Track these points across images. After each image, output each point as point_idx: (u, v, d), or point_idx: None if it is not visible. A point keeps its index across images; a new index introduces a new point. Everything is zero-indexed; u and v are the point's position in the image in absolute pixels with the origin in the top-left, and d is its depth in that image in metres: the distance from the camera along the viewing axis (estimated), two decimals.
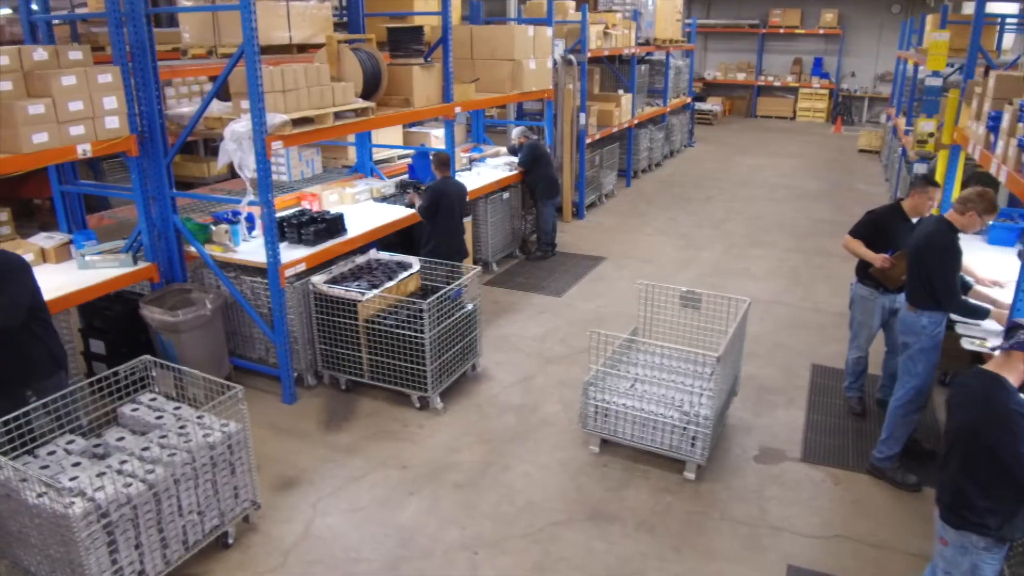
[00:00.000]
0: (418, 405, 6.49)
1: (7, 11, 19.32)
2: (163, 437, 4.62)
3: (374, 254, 7.17)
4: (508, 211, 9.87)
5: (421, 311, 6.13)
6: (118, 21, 6.04)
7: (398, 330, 6.27)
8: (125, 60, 6.09)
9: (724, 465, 5.88)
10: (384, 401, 6.63)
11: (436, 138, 10.31)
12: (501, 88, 9.47)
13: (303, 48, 8.01)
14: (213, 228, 6.73)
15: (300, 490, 5.46)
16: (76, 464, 4.39)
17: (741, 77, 24.04)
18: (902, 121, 14.35)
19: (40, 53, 5.83)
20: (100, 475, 4.24)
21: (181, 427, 4.74)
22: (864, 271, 6.22)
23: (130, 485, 4.19)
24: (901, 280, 5.88)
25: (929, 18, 12.90)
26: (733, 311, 6.27)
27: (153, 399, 5.07)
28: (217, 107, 6.45)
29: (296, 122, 6.17)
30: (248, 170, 5.97)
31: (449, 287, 6.48)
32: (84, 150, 5.84)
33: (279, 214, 7.01)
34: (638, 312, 6.66)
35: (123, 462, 4.38)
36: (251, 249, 6.73)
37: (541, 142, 9.92)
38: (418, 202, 7.63)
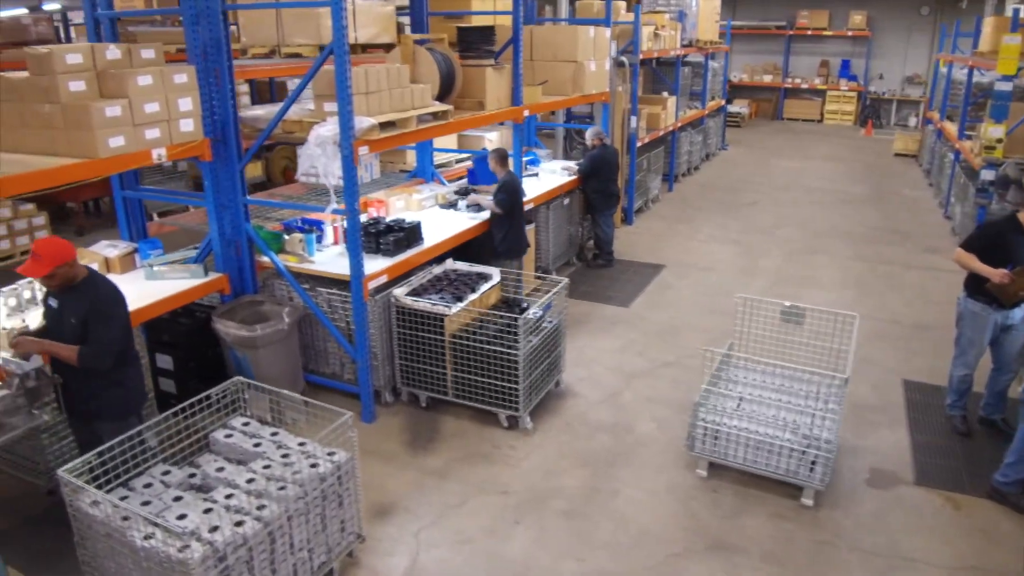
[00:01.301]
0: (506, 424, 6.14)
1: (23, 11, 19.00)
2: (267, 467, 4.27)
3: (450, 264, 6.81)
4: (567, 218, 9.51)
5: (514, 326, 5.78)
6: (194, 18, 5.68)
7: (489, 346, 5.91)
8: (200, 59, 5.73)
9: (838, 490, 5.52)
10: (468, 420, 6.27)
11: (490, 141, 9.97)
12: (563, 90, 9.13)
13: (366, 48, 7.66)
14: (286, 237, 6.37)
15: (398, 518, 5.10)
16: (177, 499, 4.03)
17: (767, 79, 23.69)
18: (950, 125, 14.01)
19: (113, 51, 5.46)
20: (207, 511, 3.88)
21: (284, 456, 4.38)
22: (976, 286, 5.87)
23: (242, 523, 3.82)
24: (1019, 296, 5.56)
25: (990, 20, 12.56)
26: (836, 326, 5.94)
27: (246, 423, 4.72)
28: (296, 109, 6.09)
29: (381, 126, 5.82)
30: (333, 177, 5.61)
31: (541, 301, 6.12)
32: (159, 155, 5.48)
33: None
34: (735, 327, 6.31)
35: (229, 496, 4.02)
36: (326, 259, 6.38)
37: (609, 150, 9.53)
38: (486, 203, 7.52)
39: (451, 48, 7.35)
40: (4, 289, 5.50)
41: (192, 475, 4.32)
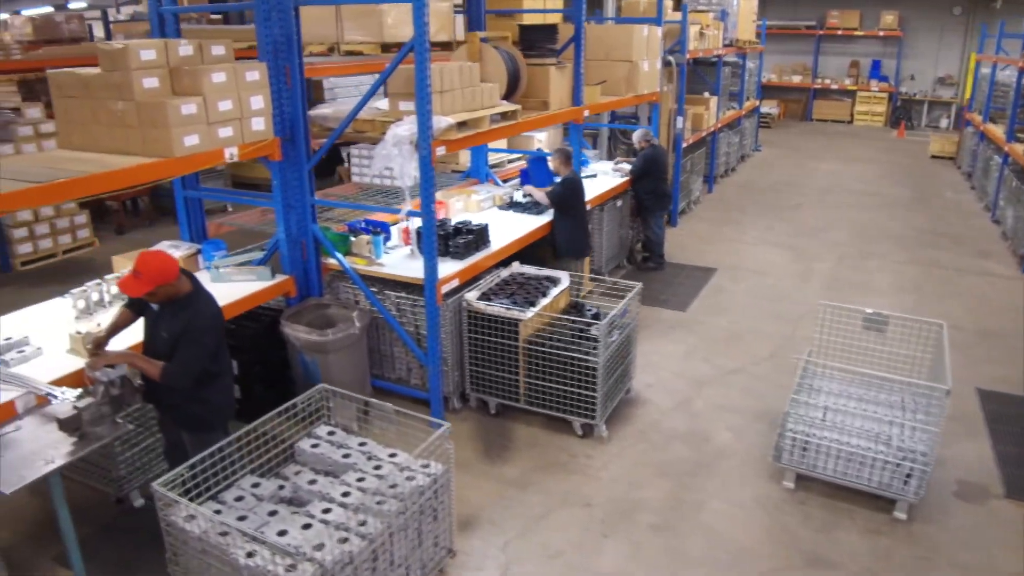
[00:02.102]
0: (580, 433, 5.96)
1: (46, 8, 18.92)
2: (361, 480, 4.10)
3: (517, 267, 6.63)
4: (619, 219, 9.32)
5: (593, 332, 5.61)
6: (267, 13, 5.52)
7: (565, 352, 5.73)
8: (271, 56, 5.57)
9: (929, 503, 5.33)
10: (539, 428, 6.09)
11: (539, 141, 9.80)
12: (617, 90, 8.95)
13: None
14: (353, 239, 6.21)
15: (483, 531, 4.93)
16: (272, 513, 3.87)
17: (796, 80, 23.43)
18: (995, 128, 13.76)
19: (185, 48, 5.32)
20: (306, 527, 3.72)
21: (376, 468, 4.22)
22: None
23: (346, 540, 3.66)
24: None
25: None
26: (920, 334, 5.76)
27: (331, 433, 4.55)
28: (366, 108, 5.92)
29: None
30: (408, 177, 5.44)
31: (619, 307, 5.94)
32: (231, 154, 5.34)
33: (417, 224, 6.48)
34: (815, 335, 6.12)
35: (326, 511, 3.86)
36: (394, 262, 6.22)
37: (660, 150, 9.35)
38: (539, 195, 7.63)
39: (514, 46, 7.17)
40: (73, 291, 5.34)
41: (281, 487, 4.16)
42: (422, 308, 5.93)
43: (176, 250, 6.24)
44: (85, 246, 10.67)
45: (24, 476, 3.70)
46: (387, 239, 6.50)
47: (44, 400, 4.28)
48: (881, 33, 22.14)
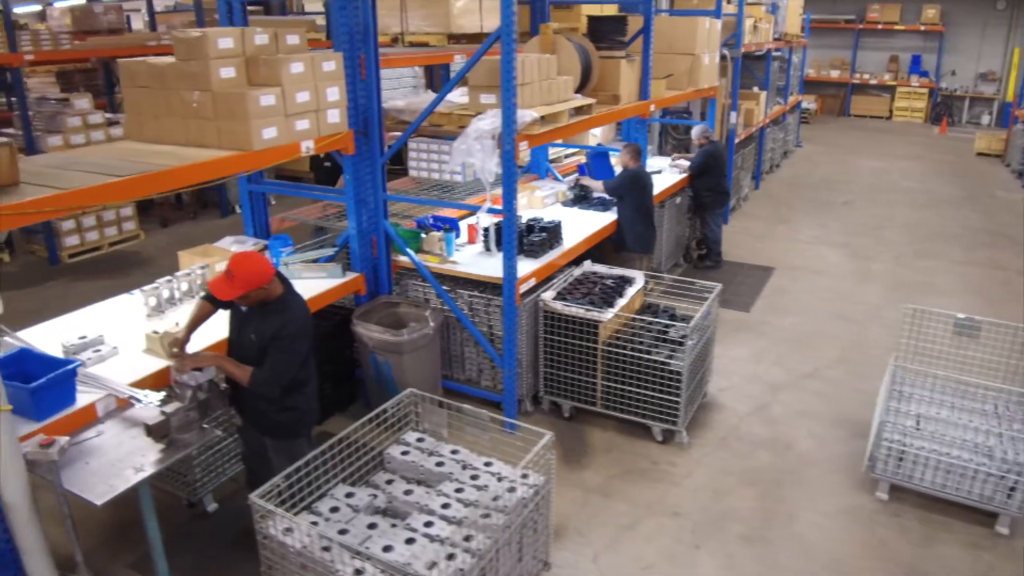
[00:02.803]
0: (660, 439, 5.77)
1: (76, 2, 18.86)
2: (459, 491, 3.93)
3: (589, 266, 6.44)
4: (678, 217, 9.10)
5: (680, 335, 5.41)
6: (344, 1, 5.33)
7: (648, 355, 5.54)
8: (347, 46, 5.38)
9: None
10: (615, 432, 5.91)
11: (594, 136, 9.58)
12: (679, 84, 8.71)
13: None
14: (424, 236, 6.03)
15: (571, 541, 4.75)
16: (371, 526, 3.70)
17: (835, 74, 23.05)
18: None
19: (261, 36, 5.14)
20: (409, 541, 3.55)
21: (473, 478, 4.04)
22: None
23: (453, 557, 3.48)
24: None
25: None
26: (1007, 340, 5.52)
27: (420, 439, 4.38)
28: (444, 101, 5.74)
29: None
30: (490, 173, 5.25)
31: (703, 309, 5.73)
32: (308, 147, 5.16)
33: (487, 222, 6.31)
34: (901, 340, 5.87)
35: (428, 524, 3.69)
36: (465, 259, 6.04)
37: (719, 147, 9.12)
38: (595, 185, 7.51)
39: (584, 38, 6.96)
40: (144, 288, 5.19)
41: (373, 496, 3.99)
42: (496, 308, 5.76)
43: (241, 245, 6.10)
44: (131, 239, 10.57)
45: (114, 486, 3.55)
46: (456, 236, 6.32)
47: (125, 403, 4.14)
48: (922, 27, 21.72)
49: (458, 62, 6.04)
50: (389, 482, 4.11)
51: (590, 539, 4.78)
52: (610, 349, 5.64)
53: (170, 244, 10.82)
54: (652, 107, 7.60)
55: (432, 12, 6.79)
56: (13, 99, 10.77)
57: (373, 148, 5.64)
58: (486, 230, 6.10)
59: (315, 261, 5.83)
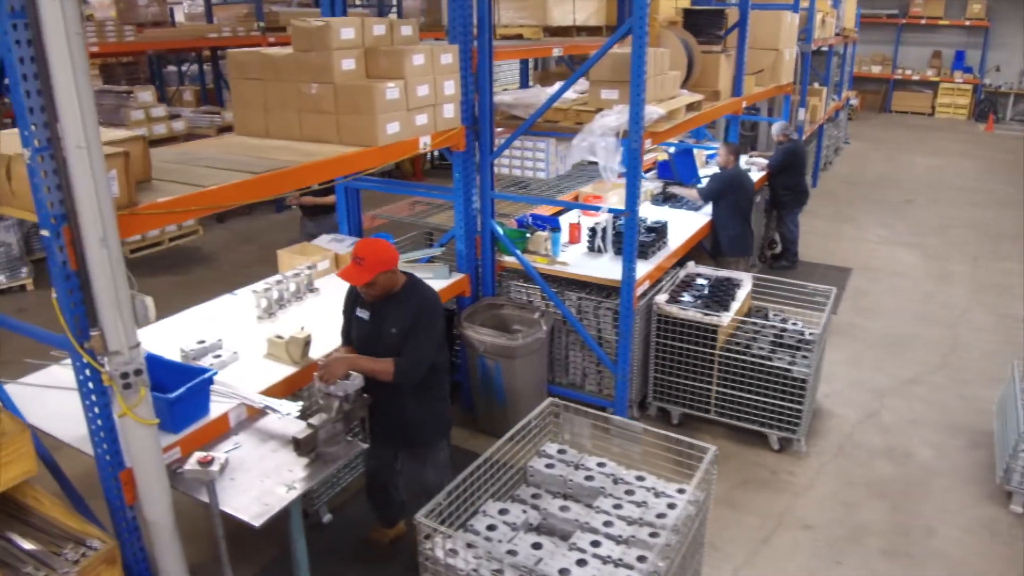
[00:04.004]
0: (777, 447, 5.57)
1: None
2: (618, 507, 3.74)
3: (692, 268, 6.24)
4: (756, 216, 8.88)
5: (806, 340, 5.22)
6: None
7: (769, 361, 5.34)
8: (462, 37, 5.19)
9: None
10: (727, 440, 5.71)
11: None
12: (761, 80, 8.48)
13: (581, 31, 7.10)
14: (529, 236, 5.84)
15: (708, 556, 4.52)
16: (536, 546, 3.50)
17: (876, 70, 22.71)
18: None
19: (379, 27, 4.96)
20: (580, 563, 3.37)
21: (627, 492, 3.86)
22: None
23: None
24: None
25: None
26: None
27: (562, 451, 4.19)
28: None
29: None
30: (613, 172, 5.06)
31: (825, 315, 5.54)
32: (425, 143, 4.98)
33: (589, 220, 6.12)
34: None
35: (595, 544, 3.50)
36: (576, 260, 5.85)
37: (800, 144, 8.90)
38: (688, 194, 7.35)
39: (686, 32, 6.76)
40: (256, 287, 5.02)
41: (525, 511, 3.80)
42: (606, 310, 5.58)
43: (340, 244, 5.94)
44: (190, 234, 10.43)
45: (269, 505, 3.35)
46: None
47: (255, 412, 3.97)
48: (968, 23, 21.37)
49: (611, 54, 5.81)
50: (535, 496, 3.92)
51: (727, 554, 4.60)
52: (727, 354, 5.45)
53: (229, 240, 10.70)
54: (744, 104, 7.38)
55: (527, 4, 6.59)
56: None
57: (484, 144, 5.46)
58: (592, 230, 5.91)
59: (417, 261, 5.65)
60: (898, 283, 9.06)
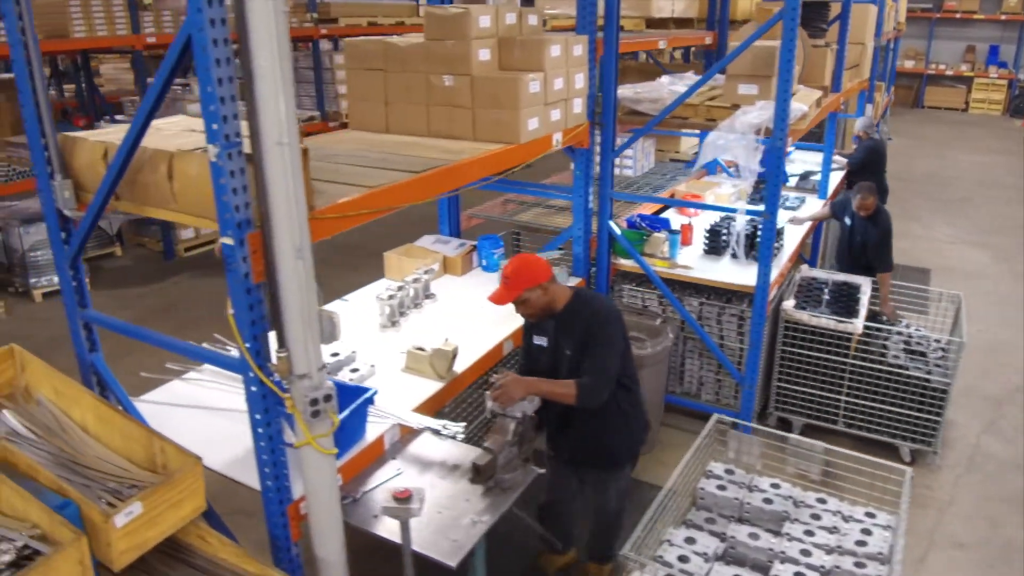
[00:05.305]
0: (908, 459, 5.35)
1: None
2: (809, 534, 3.52)
3: (807, 271, 6.01)
4: None
5: (945, 348, 5.00)
6: None
7: (907, 371, 5.12)
8: (591, 28, 4.94)
9: None
10: (852, 451, 5.47)
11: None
12: (849, 74, 8.21)
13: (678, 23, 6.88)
14: (646, 237, 5.61)
15: None
16: None
17: (908, 65, 22.44)
18: None
19: (511, 16, 4.71)
20: None
21: (813, 516, 3.64)
22: None
23: None
24: None
25: None
26: None
27: (729, 471, 3.97)
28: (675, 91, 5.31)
29: None
30: (750, 173, 4.83)
31: (961, 320, 5.32)
32: (557, 140, 4.74)
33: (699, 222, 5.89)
34: None
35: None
36: (693, 263, 5.61)
37: (881, 142, 8.67)
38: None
39: None
40: (380, 294, 4.76)
41: (711, 538, 3.58)
42: (730, 317, 5.36)
43: (445, 246, 5.69)
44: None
45: (459, 543, 3.06)
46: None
47: (407, 432, 3.72)
48: (1003, 17, 21.10)
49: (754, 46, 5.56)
50: (709, 521, 3.71)
51: None
52: (861, 363, 5.22)
53: None
54: (841, 100, 7.14)
55: None
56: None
57: (606, 141, 5.23)
58: (713, 231, 5.68)
59: None
60: (978, 285, 8.84)
